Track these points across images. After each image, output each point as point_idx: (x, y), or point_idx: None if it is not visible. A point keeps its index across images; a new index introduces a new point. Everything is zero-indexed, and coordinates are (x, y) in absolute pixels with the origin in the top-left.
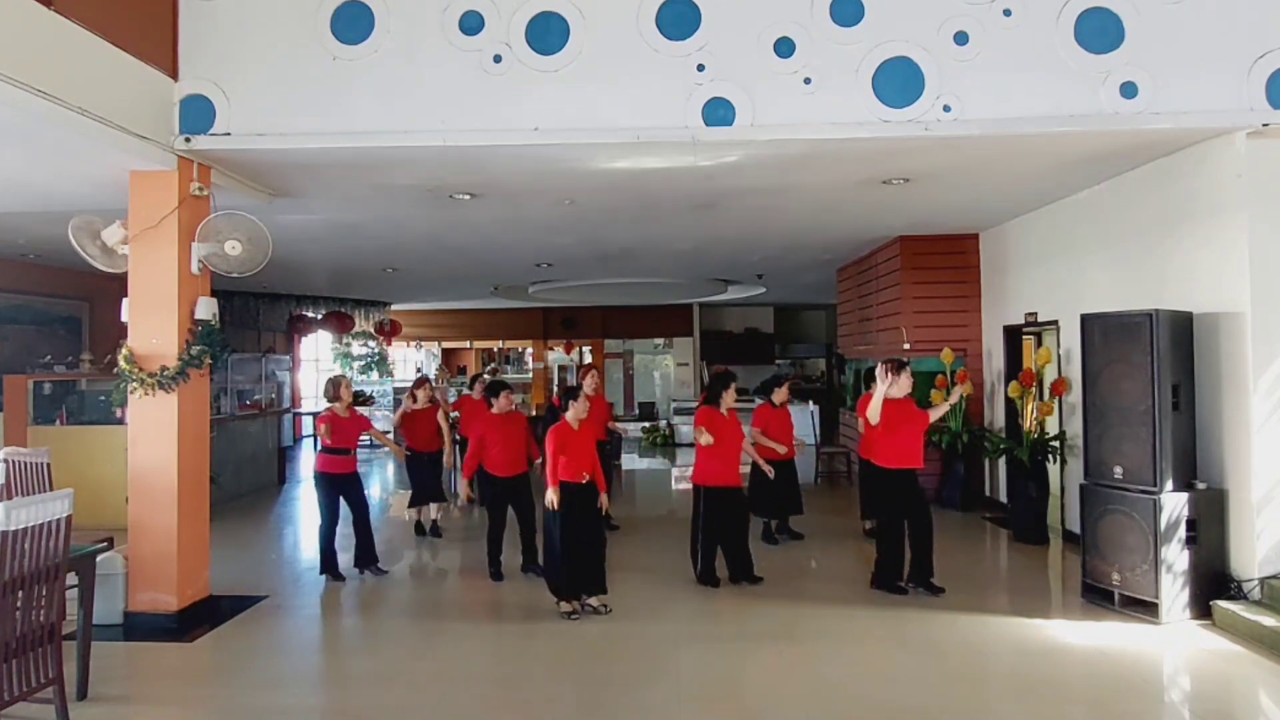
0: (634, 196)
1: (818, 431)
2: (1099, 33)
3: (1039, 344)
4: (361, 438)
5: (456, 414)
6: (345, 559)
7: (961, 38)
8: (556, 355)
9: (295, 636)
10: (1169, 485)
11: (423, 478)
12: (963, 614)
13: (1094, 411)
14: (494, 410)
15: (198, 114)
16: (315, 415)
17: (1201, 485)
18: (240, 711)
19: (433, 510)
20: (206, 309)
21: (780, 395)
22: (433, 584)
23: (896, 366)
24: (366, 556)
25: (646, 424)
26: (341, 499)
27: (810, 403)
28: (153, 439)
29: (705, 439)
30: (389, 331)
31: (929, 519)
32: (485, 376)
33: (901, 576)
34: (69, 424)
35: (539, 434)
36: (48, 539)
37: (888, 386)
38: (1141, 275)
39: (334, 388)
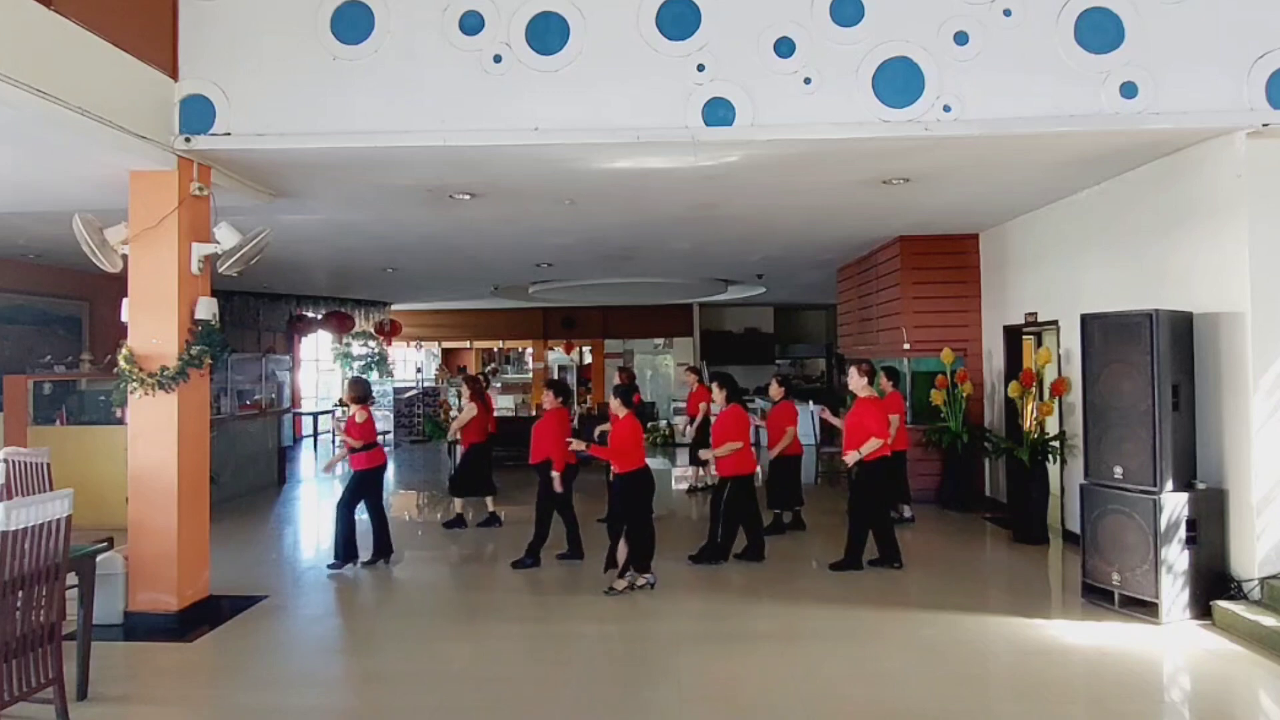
0: (634, 196)
1: (817, 432)
2: (1099, 33)
3: (1039, 344)
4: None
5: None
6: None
7: (961, 38)
8: (556, 355)
9: (295, 636)
10: (1169, 485)
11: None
12: (963, 614)
13: (1094, 411)
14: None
15: (198, 114)
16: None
17: (1201, 485)
18: (240, 711)
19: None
20: (206, 309)
21: (771, 391)
22: (433, 584)
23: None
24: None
25: (647, 424)
26: None
27: (811, 403)
28: (153, 439)
29: None
30: (389, 331)
31: (853, 504)
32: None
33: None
34: (69, 424)
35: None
36: (48, 539)
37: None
38: (1141, 275)
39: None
